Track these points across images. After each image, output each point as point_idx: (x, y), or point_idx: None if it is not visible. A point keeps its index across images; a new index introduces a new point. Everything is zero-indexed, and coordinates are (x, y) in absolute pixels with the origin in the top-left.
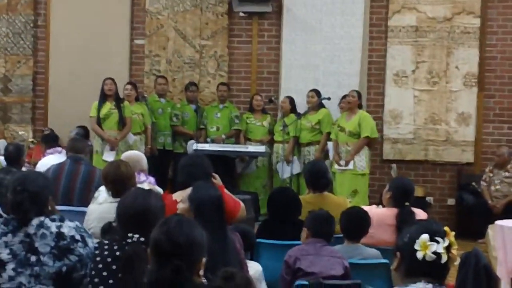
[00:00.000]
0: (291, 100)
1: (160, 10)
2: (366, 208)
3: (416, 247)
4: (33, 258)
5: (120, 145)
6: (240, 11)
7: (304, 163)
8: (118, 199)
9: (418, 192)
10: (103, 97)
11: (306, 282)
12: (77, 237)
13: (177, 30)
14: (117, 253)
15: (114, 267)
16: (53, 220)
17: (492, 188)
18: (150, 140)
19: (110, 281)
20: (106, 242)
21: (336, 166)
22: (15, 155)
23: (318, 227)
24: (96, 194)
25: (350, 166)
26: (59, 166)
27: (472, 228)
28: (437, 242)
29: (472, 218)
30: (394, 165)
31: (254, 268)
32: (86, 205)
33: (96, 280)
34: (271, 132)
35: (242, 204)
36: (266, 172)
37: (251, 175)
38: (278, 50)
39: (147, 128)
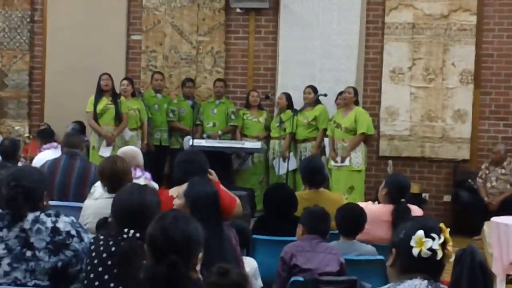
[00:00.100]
0: (288, 96)
1: (157, 5)
2: (362, 204)
3: (412, 243)
4: (28, 253)
5: (116, 141)
6: (237, 7)
7: (300, 160)
8: (114, 195)
9: (414, 188)
10: (100, 93)
11: (301, 279)
12: (73, 232)
13: (174, 26)
14: (113, 249)
15: (109, 262)
16: (48, 215)
17: (488, 185)
18: (146, 135)
19: (106, 277)
20: (102, 237)
21: (332, 163)
22: (10, 150)
23: (313, 224)
24: (92, 190)
25: (347, 162)
26: (55, 161)
27: (468, 225)
28: (433, 238)
29: (468, 215)
30: (390, 162)
31: (250, 264)
32: (82, 201)
33: (92, 275)
34: (267, 128)
35: (238, 200)
36: (263, 168)
37: (247, 171)
38: (275, 46)
39: (143, 124)
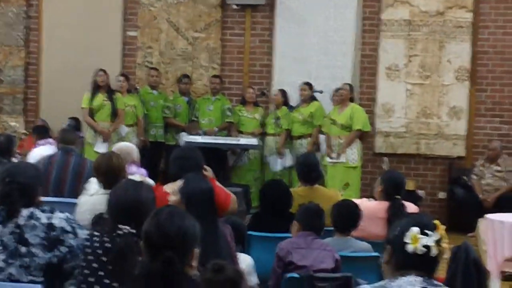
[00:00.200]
0: (284, 93)
1: (153, 1)
2: (357, 201)
3: (407, 240)
4: (23, 249)
5: (112, 137)
6: (233, 4)
7: (296, 156)
8: (109, 191)
9: (410, 185)
10: (95, 89)
11: (297, 275)
12: (68, 228)
13: (170, 22)
14: (108, 245)
15: (104, 258)
16: (43, 211)
17: (483, 182)
18: (142, 132)
19: (100, 273)
20: (97, 233)
21: (328, 159)
22: (6, 146)
23: (308, 220)
24: (87, 186)
25: (342, 159)
26: (50, 157)
27: (463, 222)
28: (428, 235)
29: (463, 212)
30: (385, 159)
31: (245, 261)
32: (77, 197)
33: (87, 271)
34: (263, 124)
35: (233, 196)
36: (258, 164)
37: (243, 167)
38: (270, 43)
39: (139, 120)
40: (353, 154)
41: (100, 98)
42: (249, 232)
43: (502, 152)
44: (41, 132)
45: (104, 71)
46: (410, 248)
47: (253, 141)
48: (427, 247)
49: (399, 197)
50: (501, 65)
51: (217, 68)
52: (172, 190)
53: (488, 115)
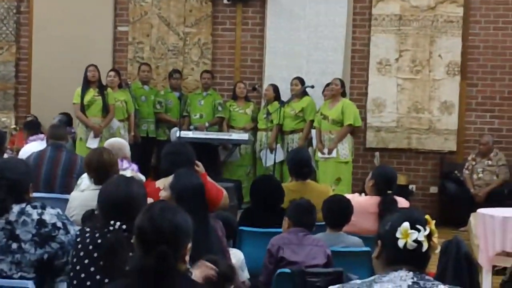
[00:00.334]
0: (275, 88)
1: None
2: (348, 196)
3: (397, 235)
4: (14, 245)
5: (104, 132)
6: None
7: (287, 151)
8: (100, 187)
9: (401, 180)
10: (86, 84)
11: (288, 270)
12: (59, 224)
13: (161, 17)
14: (99, 241)
15: (95, 254)
16: (34, 207)
17: (475, 176)
18: (133, 127)
19: (92, 269)
20: (88, 229)
21: (319, 154)
22: None
23: (299, 217)
24: (78, 181)
25: (333, 154)
26: (40, 153)
27: (454, 216)
28: (418, 230)
29: (454, 207)
30: (377, 153)
31: (236, 256)
32: (68, 192)
33: (78, 267)
34: (254, 119)
35: (225, 192)
36: (250, 160)
37: (235, 163)
38: (262, 38)
39: (130, 115)
40: (344, 149)
41: (91, 93)
42: (241, 227)
43: (494, 147)
44: (32, 128)
45: (95, 66)
46: (401, 243)
47: (245, 136)
48: (418, 242)
49: (390, 192)
50: (492, 59)
51: (208, 63)
52: (163, 185)
53: (479, 110)
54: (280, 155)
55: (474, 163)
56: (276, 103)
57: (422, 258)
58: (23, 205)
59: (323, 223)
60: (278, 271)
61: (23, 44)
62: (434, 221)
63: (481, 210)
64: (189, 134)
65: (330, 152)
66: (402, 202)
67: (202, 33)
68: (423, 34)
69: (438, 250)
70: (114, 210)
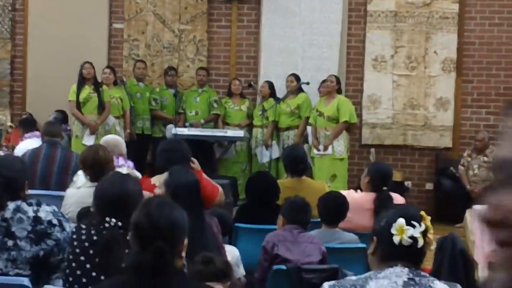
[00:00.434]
0: (270, 85)
1: None
2: (344, 192)
3: (393, 231)
4: (10, 243)
5: (99, 129)
6: None
7: (283, 148)
8: (96, 184)
9: (397, 176)
10: (82, 81)
11: (284, 267)
12: (54, 221)
13: (156, 15)
14: (95, 238)
15: (91, 251)
16: (30, 205)
17: (470, 172)
18: (128, 124)
19: (87, 266)
20: (84, 226)
21: (315, 151)
22: None
23: (293, 215)
24: (74, 178)
25: (329, 151)
26: (36, 150)
27: (450, 213)
28: (414, 226)
29: (450, 203)
30: (372, 150)
31: (231, 252)
32: (64, 189)
33: (74, 264)
34: (249, 116)
35: (220, 188)
36: (245, 156)
37: (230, 159)
38: (257, 35)
39: (125, 113)
40: (340, 146)
41: (87, 90)
42: (236, 224)
43: (490, 143)
44: (27, 125)
45: (91, 63)
46: (396, 239)
47: (240, 133)
48: (413, 238)
49: (386, 188)
50: (488, 56)
51: (204, 60)
52: (158, 182)
53: (475, 106)
54: (275, 152)
55: (469, 159)
56: (271, 100)
57: (417, 254)
58: (19, 202)
59: (319, 219)
60: (274, 267)
61: (18, 42)
62: (429, 218)
63: (477, 207)
64: (185, 131)
65: (325, 149)
66: (398, 199)
67: (197, 30)
68: (419, 30)
69: (433, 246)
70: (110, 207)
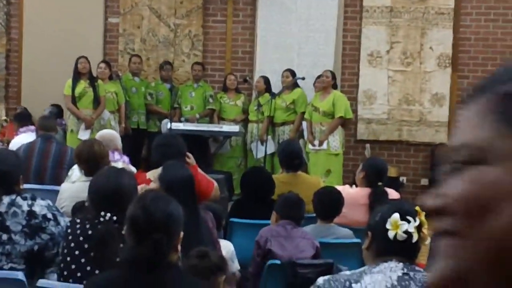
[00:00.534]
0: (266, 80)
1: None
2: (339, 188)
3: (387, 226)
4: (4, 237)
5: (95, 124)
6: None
7: (278, 143)
8: (90, 178)
9: (392, 172)
10: (77, 76)
11: (278, 262)
12: (49, 215)
13: (151, 9)
14: (89, 232)
15: (86, 246)
16: (24, 199)
17: None
18: (124, 119)
19: (82, 260)
20: (78, 221)
21: (310, 146)
22: None
23: (287, 211)
24: (69, 173)
25: (324, 146)
26: (30, 145)
27: None
28: (408, 221)
29: None
30: (367, 145)
31: (226, 247)
32: (58, 184)
33: (68, 259)
34: (245, 111)
35: (215, 183)
36: (240, 151)
37: (225, 154)
38: (253, 30)
39: (120, 107)
40: (335, 141)
41: (82, 85)
42: (231, 219)
43: None
44: (22, 119)
45: (86, 58)
46: (390, 234)
47: (235, 128)
48: (407, 233)
49: (381, 183)
50: (483, 51)
51: (199, 55)
52: (153, 177)
53: None
54: (271, 147)
55: None
56: (267, 95)
57: (412, 249)
58: (13, 196)
59: (314, 215)
60: (269, 262)
61: (13, 36)
62: (424, 213)
63: None
64: (180, 126)
65: (321, 144)
66: (393, 194)
67: (193, 25)
68: (414, 26)
69: (428, 241)
70: (105, 201)
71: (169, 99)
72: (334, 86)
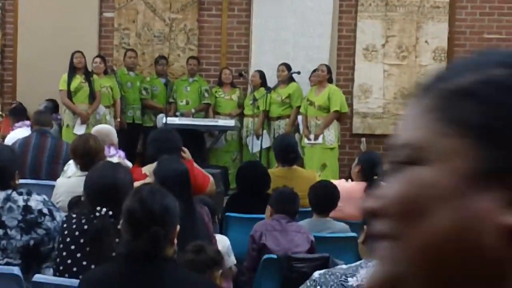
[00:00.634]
0: (261, 74)
1: None
2: (335, 182)
3: None
4: (0, 232)
5: (90, 119)
6: None
7: (274, 137)
8: (86, 173)
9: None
10: (72, 71)
11: (274, 256)
12: (45, 210)
13: (146, 3)
14: (85, 227)
15: (82, 240)
16: (20, 194)
17: None
18: (119, 113)
19: (78, 255)
20: (74, 215)
21: (305, 140)
22: None
23: (281, 205)
24: (65, 168)
25: (320, 140)
26: (25, 140)
27: None
28: None
29: None
30: (363, 139)
31: (222, 242)
32: (54, 179)
33: (64, 253)
34: (240, 106)
35: (211, 178)
36: (236, 146)
37: (221, 149)
38: (248, 24)
39: (116, 102)
40: (330, 135)
41: (78, 80)
42: (227, 213)
43: None
44: (17, 114)
45: (81, 53)
46: None
47: (231, 122)
48: None
49: (376, 177)
50: (478, 45)
51: (195, 49)
52: (149, 172)
53: None
54: (266, 141)
55: None
56: (262, 89)
57: None
58: (9, 191)
59: (310, 209)
60: (264, 256)
61: (8, 31)
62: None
63: None
64: (175, 120)
65: (316, 138)
66: None
67: (188, 19)
68: (410, 19)
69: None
70: (100, 196)
71: (165, 94)
72: (330, 80)
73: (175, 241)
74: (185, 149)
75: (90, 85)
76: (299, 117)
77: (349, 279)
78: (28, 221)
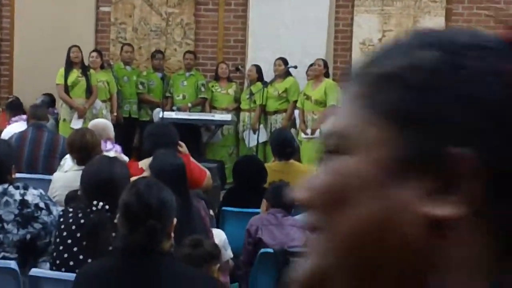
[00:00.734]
0: (258, 69)
1: None
2: None
3: None
4: None
5: (87, 113)
6: None
7: (270, 132)
8: (83, 167)
9: None
10: (69, 65)
11: (271, 250)
12: (41, 205)
13: None
14: (82, 221)
15: (78, 234)
16: (17, 188)
17: None
18: (115, 108)
19: (75, 249)
20: (71, 210)
21: (302, 135)
22: None
23: (277, 199)
24: (62, 162)
25: (317, 134)
26: (22, 134)
27: None
28: None
29: None
30: None
31: (218, 236)
32: (51, 173)
33: (61, 247)
34: (237, 100)
35: (208, 172)
36: (233, 140)
37: (218, 143)
38: (245, 18)
39: (112, 96)
40: None
41: (75, 74)
42: (223, 208)
43: None
44: (14, 108)
45: (78, 47)
46: None
47: (227, 116)
48: None
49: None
50: None
51: (191, 43)
52: (145, 166)
53: None
54: (263, 136)
55: None
56: (259, 84)
57: None
58: (6, 185)
59: None
60: (261, 251)
61: (5, 25)
62: None
63: None
64: (172, 115)
65: (313, 133)
66: None
67: (184, 14)
68: (406, 14)
69: None
70: (97, 190)
71: (161, 88)
72: (326, 75)
73: (172, 235)
74: (182, 144)
75: (87, 80)
76: (296, 112)
77: None
78: (24, 215)
